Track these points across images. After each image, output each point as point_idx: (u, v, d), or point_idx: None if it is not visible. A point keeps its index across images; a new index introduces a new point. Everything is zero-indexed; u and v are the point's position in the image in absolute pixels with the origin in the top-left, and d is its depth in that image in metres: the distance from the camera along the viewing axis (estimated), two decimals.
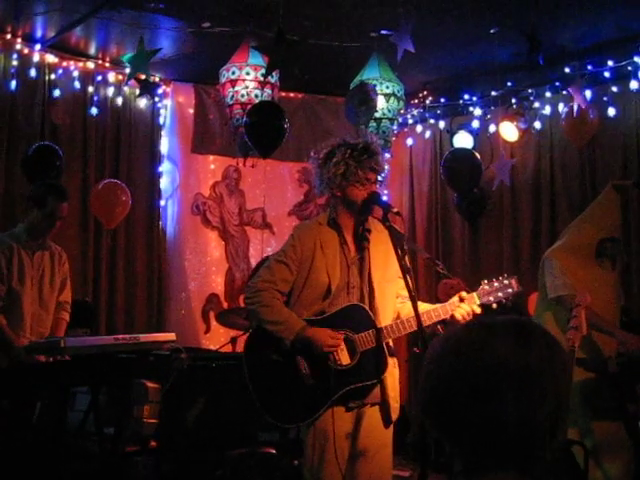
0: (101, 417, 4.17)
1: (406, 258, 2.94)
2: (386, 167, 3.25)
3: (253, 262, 6.94)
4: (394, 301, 3.24)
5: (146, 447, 4.67)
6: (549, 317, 4.06)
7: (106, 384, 4.23)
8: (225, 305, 6.83)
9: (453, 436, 1.26)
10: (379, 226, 3.20)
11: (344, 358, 3.05)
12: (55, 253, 4.27)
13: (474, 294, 3.12)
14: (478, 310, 3.08)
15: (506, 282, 3.16)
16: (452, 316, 3.06)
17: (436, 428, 1.29)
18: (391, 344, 3.18)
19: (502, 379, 1.21)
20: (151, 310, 6.62)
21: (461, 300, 3.08)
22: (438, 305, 3.13)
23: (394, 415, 3.17)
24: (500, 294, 3.13)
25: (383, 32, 5.66)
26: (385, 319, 3.14)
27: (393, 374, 3.18)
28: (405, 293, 3.17)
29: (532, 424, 1.21)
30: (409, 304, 3.05)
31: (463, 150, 6.57)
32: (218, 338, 6.48)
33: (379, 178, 3.18)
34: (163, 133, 6.85)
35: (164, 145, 6.85)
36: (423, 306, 3.12)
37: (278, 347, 3.08)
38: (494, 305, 3.13)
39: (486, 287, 3.15)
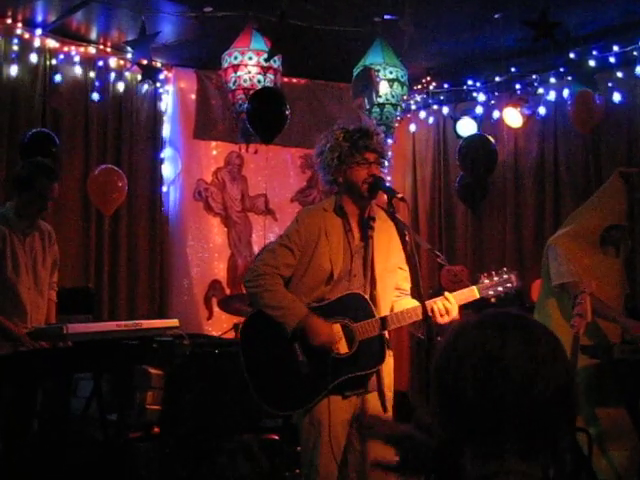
0: (104, 403, 4.16)
1: (410, 248, 2.92)
2: (388, 149, 3.21)
3: (256, 248, 6.92)
4: (392, 292, 3.21)
5: (149, 433, 4.67)
6: (552, 304, 4.04)
7: (109, 371, 4.21)
8: (227, 291, 6.82)
9: (462, 425, 1.26)
10: (383, 215, 3.17)
11: (342, 347, 3.03)
12: (45, 233, 4.06)
13: (474, 287, 3.10)
14: (455, 312, 3.01)
15: (506, 276, 3.14)
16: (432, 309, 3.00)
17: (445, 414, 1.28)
18: (387, 335, 3.16)
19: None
20: (153, 296, 6.61)
21: (445, 298, 3.03)
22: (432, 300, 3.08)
23: (389, 403, 3.15)
24: (500, 288, 3.12)
25: (387, 17, 5.62)
26: (385, 308, 3.12)
27: (388, 363, 3.17)
28: (404, 285, 3.20)
29: (531, 410, 1.21)
30: (405, 300, 3.10)
31: (478, 136, 6.49)
32: (220, 324, 6.47)
33: (382, 161, 3.15)
34: (165, 119, 6.81)
35: (166, 131, 6.81)
36: (412, 302, 3.12)
37: (275, 333, 3.05)
38: (492, 299, 3.12)
39: (486, 281, 3.13)
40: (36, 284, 3.95)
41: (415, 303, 3.08)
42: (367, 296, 3.10)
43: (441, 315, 3.00)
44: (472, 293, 3.09)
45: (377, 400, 3.12)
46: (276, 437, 4.70)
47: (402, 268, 3.21)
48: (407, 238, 2.96)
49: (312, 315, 3.01)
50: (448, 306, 3.01)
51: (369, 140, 3.08)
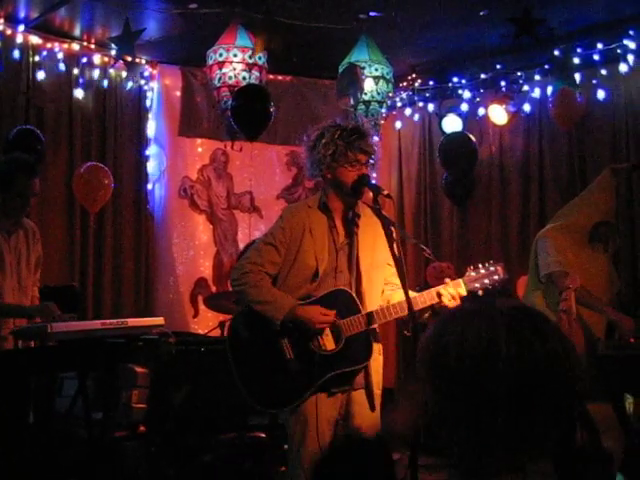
0: (89, 402, 4.14)
1: (395, 245, 2.92)
2: (376, 150, 3.21)
3: (241, 246, 6.90)
4: (381, 287, 3.22)
5: (135, 432, 4.65)
6: (539, 297, 4.06)
7: (94, 369, 4.17)
8: (213, 289, 6.81)
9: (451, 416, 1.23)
10: (368, 211, 3.17)
11: (329, 343, 3.04)
12: (29, 230, 3.96)
13: (460, 280, 3.09)
14: (464, 293, 3.06)
15: (492, 269, 3.13)
16: (438, 295, 3.02)
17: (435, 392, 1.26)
18: (377, 330, 3.17)
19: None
20: (139, 295, 6.58)
21: (445, 285, 3.05)
22: (424, 292, 3.10)
23: (377, 401, 3.15)
24: (486, 281, 3.11)
25: (372, 14, 5.62)
26: (371, 305, 3.12)
27: (377, 360, 3.18)
28: (395, 280, 3.17)
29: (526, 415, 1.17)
30: (400, 292, 3.05)
31: (459, 134, 6.53)
32: (206, 322, 6.45)
33: (370, 161, 3.15)
34: (150, 116, 6.77)
35: (151, 128, 6.77)
36: (410, 294, 3.11)
37: (263, 330, 3.06)
38: (480, 292, 3.11)
39: (472, 274, 3.13)
40: (19, 284, 3.88)
41: (412, 295, 3.08)
42: (353, 292, 3.10)
43: (450, 300, 3.01)
44: (458, 285, 3.08)
45: (364, 398, 3.12)
46: (263, 435, 4.70)
47: (390, 264, 3.19)
48: (393, 234, 2.96)
49: (299, 305, 3.01)
50: (452, 292, 3.01)
51: (364, 141, 3.08)
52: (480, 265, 3.16)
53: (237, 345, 3.16)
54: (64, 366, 3.87)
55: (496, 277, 3.15)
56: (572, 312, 3.44)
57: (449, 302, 3.02)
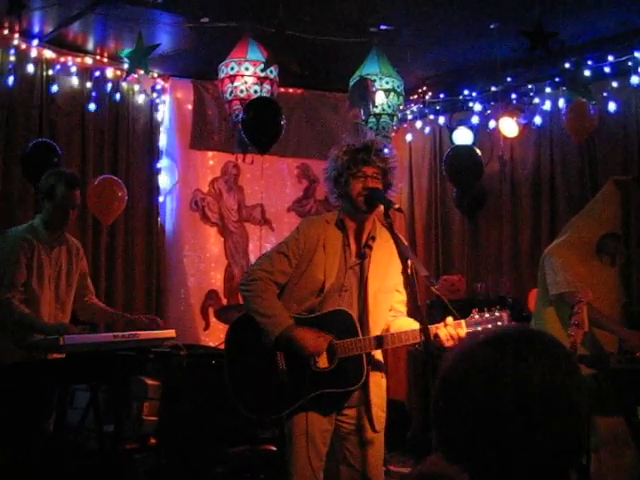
0: (100, 414, 4.15)
1: (409, 270, 2.92)
2: (393, 163, 3.19)
3: (252, 258, 6.92)
4: (387, 313, 3.22)
5: (146, 444, 4.66)
6: (550, 313, 4.05)
7: (105, 382, 4.19)
8: (224, 301, 6.81)
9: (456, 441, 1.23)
10: (386, 235, 3.15)
11: (322, 361, 3.05)
12: (72, 248, 4.09)
13: (462, 321, 3.06)
14: (463, 334, 3.02)
15: (497, 314, 3.11)
16: (436, 335, 3.00)
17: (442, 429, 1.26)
18: (379, 358, 3.19)
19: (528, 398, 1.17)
20: (150, 306, 6.59)
21: (445, 325, 3.04)
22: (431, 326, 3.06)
23: (378, 424, 3.15)
24: (489, 326, 3.07)
25: (382, 27, 5.64)
26: (375, 328, 3.12)
27: (380, 384, 3.19)
28: (400, 308, 3.22)
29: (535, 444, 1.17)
30: (401, 319, 3.13)
31: (464, 147, 6.55)
32: (217, 334, 6.46)
33: (384, 175, 3.15)
34: (161, 129, 6.82)
35: (162, 141, 6.81)
36: (407, 322, 3.14)
37: (260, 339, 3.09)
38: (481, 335, 3.08)
39: (476, 316, 3.11)
40: (57, 298, 3.96)
41: (412, 322, 3.11)
42: (357, 314, 3.11)
43: (447, 340, 3.00)
44: (459, 326, 3.05)
45: (363, 417, 3.12)
46: (273, 448, 4.69)
47: (399, 291, 3.24)
48: (409, 262, 2.94)
49: (296, 326, 3.03)
50: (452, 332, 3.00)
51: (367, 154, 3.10)
52: (486, 309, 3.13)
53: (233, 349, 3.21)
54: (76, 378, 3.89)
55: (499, 324, 3.10)
56: (584, 326, 3.42)
57: (446, 342, 3.00)
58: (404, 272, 2.95)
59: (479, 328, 3.07)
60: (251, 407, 3.13)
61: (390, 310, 3.23)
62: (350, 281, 3.14)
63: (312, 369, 3.03)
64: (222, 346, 5.29)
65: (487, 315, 3.11)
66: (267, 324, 3.05)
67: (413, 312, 3.10)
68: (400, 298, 3.23)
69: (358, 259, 3.17)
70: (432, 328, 3.00)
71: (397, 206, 3.03)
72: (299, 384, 3.03)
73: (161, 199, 6.76)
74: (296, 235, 3.20)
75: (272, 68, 5.47)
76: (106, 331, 4.10)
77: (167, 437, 4.65)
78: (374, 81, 5.62)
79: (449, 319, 3.05)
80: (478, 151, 6.47)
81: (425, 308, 3.69)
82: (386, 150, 3.22)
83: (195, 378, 4.67)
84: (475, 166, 6.39)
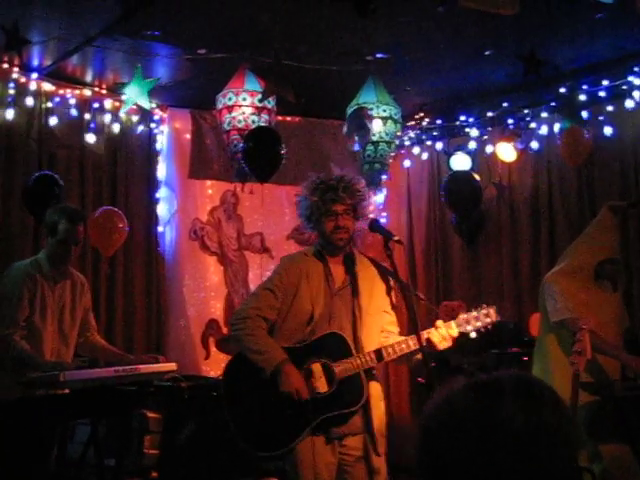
0: (101, 449, 4.12)
1: (392, 294, 3.02)
2: (359, 197, 3.28)
3: (252, 287, 6.89)
4: (378, 335, 3.27)
5: (147, 478, 4.61)
6: (552, 340, 4.04)
7: (106, 417, 4.17)
8: (224, 330, 6.78)
9: None
10: (365, 260, 3.31)
11: (321, 386, 3.09)
12: (77, 282, 4.11)
13: (451, 322, 3.17)
14: (455, 334, 3.14)
15: (484, 312, 3.23)
16: (428, 340, 3.09)
17: None
18: (375, 372, 3.23)
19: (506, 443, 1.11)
20: (150, 336, 6.57)
21: (436, 328, 3.13)
22: (413, 336, 3.15)
23: (380, 447, 3.17)
24: (478, 323, 3.21)
25: (379, 55, 5.68)
26: (369, 349, 3.17)
27: (379, 407, 3.22)
28: (391, 328, 3.29)
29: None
30: (392, 338, 3.19)
31: (462, 172, 6.57)
32: (218, 364, 6.42)
33: (352, 210, 3.24)
34: (160, 159, 6.83)
35: (161, 171, 6.82)
36: (403, 339, 3.18)
37: (257, 375, 3.11)
38: (473, 334, 3.18)
39: (464, 315, 3.21)
40: (61, 333, 3.95)
41: (401, 338, 3.18)
42: (350, 337, 3.15)
43: (441, 342, 3.10)
44: (449, 327, 3.14)
45: (366, 443, 3.13)
46: None
47: (387, 312, 3.32)
48: (390, 283, 3.06)
49: (287, 363, 3.07)
50: (444, 333, 3.10)
51: (335, 193, 3.20)
52: (473, 308, 3.24)
53: (232, 386, 3.23)
54: (76, 414, 3.87)
55: (488, 320, 3.24)
56: (587, 353, 3.41)
57: (439, 344, 3.10)
58: (396, 290, 3.05)
59: (469, 327, 3.19)
60: (255, 444, 3.13)
61: (382, 332, 3.28)
62: (337, 307, 3.22)
63: (313, 396, 3.05)
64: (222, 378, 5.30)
65: (475, 313, 3.21)
66: (261, 361, 3.11)
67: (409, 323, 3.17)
68: (390, 319, 3.32)
69: (343, 285, 3.25)
70: (423, 334, 3.08)
71: (397, 238, 3.07)
72: (302, 413, 3.04)
73: (160, 229, 6.76)
74: (278, 271, 3.32)
75: (270, 98, 5.49)
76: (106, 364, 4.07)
77: (168, 470, 4.61)
78: (371, 109, 5.64)
79: (439, 322, 3.15)
80: (476, 176, 6.48)
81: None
82: (355, 183, 3.30)
83: (196, 410, 4.64)
84: (474, 191, 6.41)
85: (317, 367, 3.11)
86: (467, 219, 6.60)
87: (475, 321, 3.19)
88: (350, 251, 3.32)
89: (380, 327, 3.27)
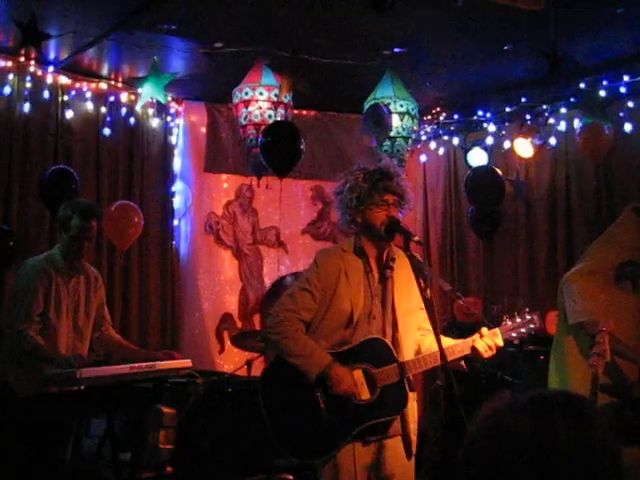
0: (117, 443, 4.13)
1: (428, 290, 2.89)
2: (407, 189, 3.17)
3: (267, 281, 6.90)
4: (415, 333, 3.20)
5: (162, 473, 4.62)
6: (570, 341, 3.98)
7: (122, 413, 4.17)
8: (239, 324, 6.79)
9: None
10: (402, 254, 3.12)
11: (364, 393, 3.00)
12: (91, 277, 4.11)
13: (497, 330, 3.07)
14: (501, 343, 3.05)
15: (528, 317, 3.14)
16: (473, 348, 3.03)
17: None
18: (411, 378, 3.14)
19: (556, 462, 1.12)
20: (165, 330, 6.59)
21: (481, 336, 3.05)
22: (460, 340, 3.10)
23: (414, 448, 3.12)
24: (523, 330, 3.12)
25: (396, 50, 5.64)
26: (407, 351, 3.10)
27: (413, 408, 3.14)
28: (427, 325, 3.14)
29: None
30: (430, 336, 3.03)
31: (485, 167, 6.49)
32: (232, 358, 6.44)
33: (402, 202, 3.13)
34: (176, 152, 6.84)
35: (177, 164, 6.83)
36: (444, 341, 3.06)
37: (296, 381, 3.01)
38: (516, 341, 3.10)
39: (508, 323, 3.12)
40: (75, 328, 3.95)
41: (444, 341, 3.06)
42: (389, 339, 3.07)
43: (486, 351, 3.02)
44: (495, 335, 3.06)
45: (400, 445, 3.09)
46: (290, 477, 4.65)
47: (422, 308, 3.16)
48: (426, 280, 2.92)
49: (335, 364, 2.97)
50: (489, 342, 3.01)
51: (389, 182, 3.07)
52: (516, 314, 3.14)
53: (270, 394, 3.11)
54: (93, 410, 3.88)
55: (532, 326, 3.15)
56: (606, 355, 3.36)
57: (485, 353, 3.02)
58: (421, 292, 2.92)
59: (513, 334, 3.10)
60: (298, 451, 3.04)
61: (418, 329, 3.20)
62: (376, 307, 3.10)
63: (355, 403, 2.97)
64: (238, 372, 5.30)
65: (519, 320, 3.12)
66: (304, 365, 2.98)
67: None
68: (424, 315, 3.12)
69: (381, 283, 3.13)
70: (468, 341, 3.03)
71: (417, 238, 3.00)
72: (344, 420, 2.96)
73: (175, 222, 6.77)
74: (315, 269, 3.12)
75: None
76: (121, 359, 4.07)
77: (183, 465, 4.61)
78: (388, 104, 5.60)
79: (484, 329, 3.06)
80: (499, 171, 6.40)
81: (442, 330, 3.65)
82: (400, 173, 3.20)
83: (211, 406, 4.64)
84: (497, 187, 6.31)
85: (358, 373, 3.01)
86: (488, 214, 6.52)
87: (520, 328, 3.11)
88: (390, 245, 3.16)
89: (417, 325, 3.19)
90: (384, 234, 3.07)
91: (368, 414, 2.98)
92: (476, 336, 3.04)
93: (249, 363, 5.13)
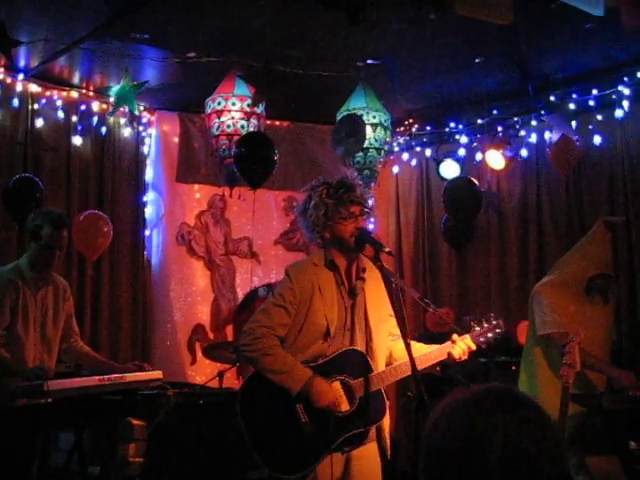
0: (85, 456, 4.06)
1: (400, 300, 2.92)
2: (370, 197, 3.20)
3: (239, 292, 6.87)
4: (386, 340, 3.22)
5: None
6: (539, 353, 4.03)
7: (91, 426, 4.11)
8: (211, 335, 6.74)
9: None
10: (371, 264, 3.16)
11: (343, 405, 3.01)
12: (59, 288, 4.03)
13: (467, 336, 3.13)
14: (474, 347, 3.12)
15: (494, 322, 3.20)
16: (449, 354, 3.07)
17: None
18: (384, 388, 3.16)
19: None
20: (136, 341, 6.51)
21: (453, 342, 3.09)
22: (433, 347, 3.13)
23: (389, 452, 3.16)
24: (490, 335, 3.18)
25: (369, 61, 5.67)
26: (381, 359, 3.13)
27: (387, 415, 3.15)
28: (396, 331, 3.18)
29: None
30: (401, 342, 3.01)
31: (463, 179, 6.51)
32: (204, 369, 6.39)
33: (366, 211, 3.15)
34: (148, 162, 6.78)
35: (149, 174, 6.77)
36: (417, 347, 3.10)
37: (276, 396, 2.99)
38: (484, 346, 3.16)
39: (477, 328, 3.19)
40: (43, 339, 3.87)
41: (421, 346, 3.14)
42: (363, 348, 3.09)
43: (460, 356, 3.08)
44: (465, 341, 3.11)
45: (373, 452, 3.10)
46: None
47: (392, 315, 3.19)
48: (394, 286, 2.98)
49: (315, 378, 2.97)
50: (463, 347, 3.07)
51: (352, 193, 3.09)
52: (483, 320, 3.21)
53: (249, 409, 3.08)
54: (60, 424, 3.81)
55: (498, 330, 3.22)
56: (577, 365, 3.40)
57: (459, 358, 3.08)
58: (391, 301, 3.00)
59: (482, 339, 3.16)
60: (279, 468, 3.00)
61: (388, 335, 3.23)
62: (350, 318, 3.12)
63: (335, 415, 2.98)
64: (209, 384, 5.26)
65: (486, 325, 3.19)
66: (285, 381, 2.97)
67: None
68: (394, 322, 3.17)
69: (354, 295, 3.14)
70: (443, 347, 3.08)
71: (387, 249, 3.01)
72: (324, 433, 2.96)
73: (147, 233, 6.70)
74: (289, 285, 3.11)
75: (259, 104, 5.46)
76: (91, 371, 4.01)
77: (153, 479, 4.55)
78: (361, 115, 5.62)
79: (454, 336, 3.11)
80: (477, 182, 6.43)
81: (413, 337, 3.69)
82: (361, 183, 3.22)
83: (182, 418, 4.59)
84: (474, 198, 6.33)
85: (337, 385, 3.02)
86: (462, 225, 6.54)
87: (487, 333, 3.17)
88: (358, 257, 3.19)
89: (387, 332, 3.21)
90: (354, 246, 3.09)
91: (348, 425, 2.99)
92: (448, 343, 3.09)
93: (221, 374, 5.09)
